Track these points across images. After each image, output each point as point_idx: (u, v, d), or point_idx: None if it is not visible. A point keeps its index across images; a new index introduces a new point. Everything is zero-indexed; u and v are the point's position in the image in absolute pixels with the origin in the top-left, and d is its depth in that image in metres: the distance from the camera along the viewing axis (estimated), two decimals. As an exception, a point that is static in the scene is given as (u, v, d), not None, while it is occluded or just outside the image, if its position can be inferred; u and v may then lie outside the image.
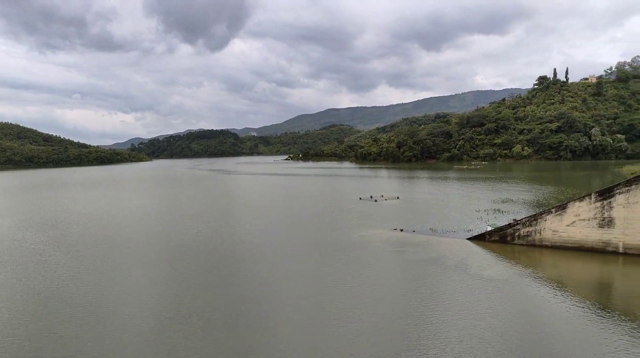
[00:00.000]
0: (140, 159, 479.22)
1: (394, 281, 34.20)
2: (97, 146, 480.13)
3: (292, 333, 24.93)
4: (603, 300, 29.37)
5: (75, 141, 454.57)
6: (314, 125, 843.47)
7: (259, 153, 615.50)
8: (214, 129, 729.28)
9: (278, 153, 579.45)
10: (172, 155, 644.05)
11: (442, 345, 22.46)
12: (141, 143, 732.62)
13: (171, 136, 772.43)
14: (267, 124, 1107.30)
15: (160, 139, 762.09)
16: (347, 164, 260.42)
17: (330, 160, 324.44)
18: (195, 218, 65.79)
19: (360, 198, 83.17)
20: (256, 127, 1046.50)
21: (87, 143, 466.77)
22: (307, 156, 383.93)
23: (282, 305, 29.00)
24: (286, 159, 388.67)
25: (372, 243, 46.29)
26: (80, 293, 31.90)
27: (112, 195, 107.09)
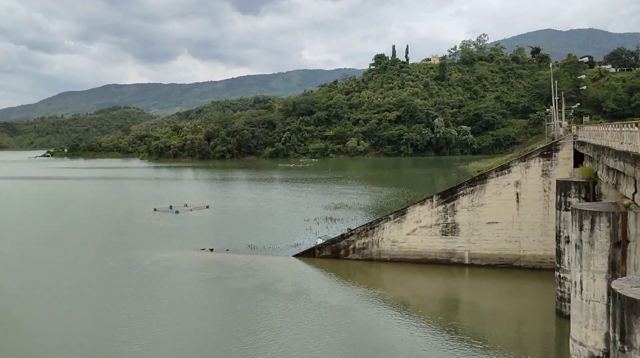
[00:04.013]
0: None
1: (211, 324, 33.24)
2: None
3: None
4: (451, 319, 33.30)
5: None
6: (86, 107, 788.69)
7: (3, 147, 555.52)
8: None
9: (32, 146, 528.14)
10: None
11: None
12: None
13: None
14: (14, 105, 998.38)
15: None
16: (136, 162, 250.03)
17: (112, 156, 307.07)
18: None
19: (155, 209, 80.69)
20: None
21: None
22: (76, 150, 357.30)
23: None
24: (45, 155, 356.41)
25: (173, 270, 45.18)
26: None
27: None
